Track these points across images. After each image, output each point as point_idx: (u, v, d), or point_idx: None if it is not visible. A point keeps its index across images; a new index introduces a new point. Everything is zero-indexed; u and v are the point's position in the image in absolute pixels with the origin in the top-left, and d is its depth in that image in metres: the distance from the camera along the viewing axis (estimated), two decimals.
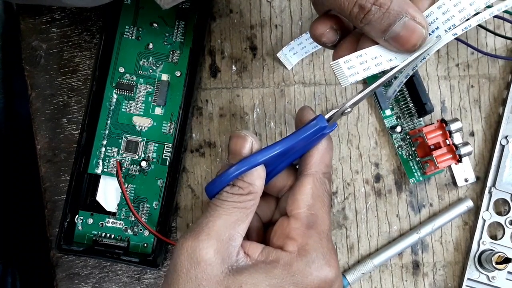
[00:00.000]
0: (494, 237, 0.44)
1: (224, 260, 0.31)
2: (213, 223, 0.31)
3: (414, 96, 0.44)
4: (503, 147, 0.44)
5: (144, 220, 0.42)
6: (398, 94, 0.44)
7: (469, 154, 0.42)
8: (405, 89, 0.44)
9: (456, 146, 0.41)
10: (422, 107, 0.43)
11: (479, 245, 0.43)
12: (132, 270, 0.44)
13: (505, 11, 0.44)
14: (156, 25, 0.43)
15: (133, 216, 0.42)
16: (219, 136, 0.45)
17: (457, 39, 0.44)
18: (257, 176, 0.33)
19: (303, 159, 0.35)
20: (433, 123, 0.42)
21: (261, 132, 0.45)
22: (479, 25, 0.44)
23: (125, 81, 0.43)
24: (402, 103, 0.44)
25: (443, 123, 0.42)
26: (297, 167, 0.36)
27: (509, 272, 0.43)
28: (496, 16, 0.44)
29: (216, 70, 0.45)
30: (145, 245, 0.42)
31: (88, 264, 0.44)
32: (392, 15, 0.29)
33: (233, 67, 0.45)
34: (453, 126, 0.42)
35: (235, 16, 0.45)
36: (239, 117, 0.45)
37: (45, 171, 0.44)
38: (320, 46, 0.42)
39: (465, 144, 0.42)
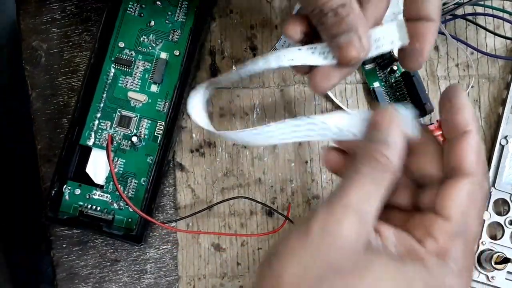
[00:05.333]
0: (493, 237, 0.44)
1: (359, 235, 0.29)
2: (347, 195, 0.30)
3: (413, 96, 0.44)
4: (502, 147, 0.44)
5: (130, 195, 0.43)
6: (398, 94, 0.44)
7: None
8: (404, 89, 0.44)
9: None
10: (422, 107, 0.43)
11: (478, 245, 0.43)
12: (132, 270, 0.44)
13: (504, 11, 0.44)
14: (159, 3, 0.44)
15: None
16: (219, 136, 0.45)
17: (457, 39, 0.44)
18: (397, 154, 0.30)
19: (455, 153, 0.31)
20: (433, 123, 0.42)
21: None
22: (479, 25, 0.44)
23: (124, 56, 0.43)
24: (402, 103, 0.44)
25: None
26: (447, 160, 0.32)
27: (508, 272, 0.43)
28: (495, 16, 0.44)
29: (216, 70, 0.45)
30: (130, 220, 0.43)
31: (88, 264, 0.44)
32: (342, 27, 0.31)
33: (233, 67, 0.45)
34: None
35: (235, 16, 0.45)
36: (239, 117, 0.45)
37: (45, 171, 0.45)
38: None
39: None
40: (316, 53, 0.34)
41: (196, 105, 0.38)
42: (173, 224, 0.44)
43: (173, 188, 0.45)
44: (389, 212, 0.34)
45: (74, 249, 0.44)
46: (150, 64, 0.43)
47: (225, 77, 0.37)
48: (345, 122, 0.32)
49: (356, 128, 0.32)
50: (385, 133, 0.31)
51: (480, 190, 0.31)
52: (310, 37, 0.34)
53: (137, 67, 0.44)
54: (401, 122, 0.31)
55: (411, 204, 0.34)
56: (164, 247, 0.44)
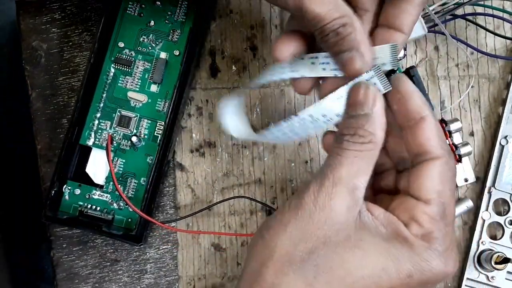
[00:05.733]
0: (493, 237, 0.44)
1: (350, 209, 0.30)
2: (337, 171, 0.31)
3: None
4: (502, 147, 0.44)
5: (130, 195, 0.43)
6: None
7: (468, 154, 0.42)
8: None
9: (456, 146, 0.41)
10: None
11: (478, 245, 0.43)
12: (132, 270, 0.44)
13: (504, 11, 0.44)
14: (159, 3, 0.44)
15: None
16: (219, 136, 0.45)
17: (457, 39, 0.44)
18: (379, 126, 0.32)
19: (417, 139, 0.32)
20: None
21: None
22: (479, 25, 0.44)
23: (124, 56, 0.43)
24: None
25: (443, 123, 0.42)
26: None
27: (508, 272, 0.43)
28: (495, 16, 0.44)
29: (216, 70, 0.45)
30: (130, 220, 0.43)
31: (88, 264, 0.44)
32: (345, 46, 0.32)
33: (233, 67, 0.45)
34: (453, 126, 0.42)
35: (235, 16, 0.45)
36: None
37: (45, 171, 0.45)
38: None
39: (465, 144, 0.42)
40: (317, 63, 0.34)
41: (229, 114, 0.38)
42: (173, 224, 0.44)
43: (173, 188, 0.45)
44: (377, 195, 0.35)
45: (74, 249, 0.44)
46: (150, 64, 0.43)
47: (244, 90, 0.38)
48: (328, 107, 0.33)
49: (339, 109, 0.33)
50: (365, 108, 0.32)
51: (449, 169, 0.32)
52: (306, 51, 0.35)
53: (137, 67, 0.44)
54: (376, 92, 0.32)
55: (395, 187, 0.35)
56: (164, 247, 0.44)
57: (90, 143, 0.43)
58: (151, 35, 0.44)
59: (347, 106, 0.33)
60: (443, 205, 0.31)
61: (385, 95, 0.33)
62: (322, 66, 0.34)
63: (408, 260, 0.30)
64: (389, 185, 0.35)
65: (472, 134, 0.45)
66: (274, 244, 0.31)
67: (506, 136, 0.44)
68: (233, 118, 0.38)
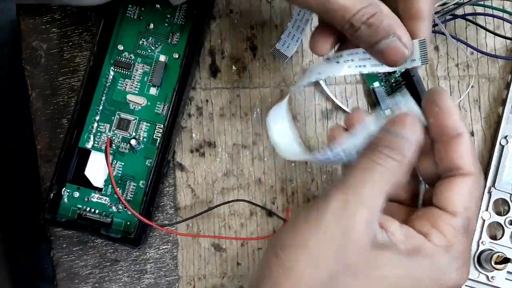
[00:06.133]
0: (493, 237, 0.44)
1: (369, 230, 0.29)
2: (361, 189, 0.30)
3: (414, 96, 0.43)
4: (502, 147, 0.44)
5: (129, 198, 0.43)
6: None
7: None
8: (405, 89, 0.44)
9: None
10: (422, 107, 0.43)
11: (478, 245, 0.43)
12: (132, 270, 0.44)
13: (504, 11, 0.44)
14: (158, 6, 0.44)
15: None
16: (219, 136, 0.45)
17: (457, 39, 0.44)
18: (414, 150, 0.31)
19: (452, 155, 0.32)
20: None
21: (261, 132, 0.45)
22: (479, 25, 0.44)
23: (123, 59, 0.43)
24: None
25: None
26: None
27: (508, 272, 0.43)
28: (495, 16, 0.44)
29: (216, 70, 0.45)
30: (128, 223, 0.43)
31: (88, 264, 0.44)
32: (379, 35, 0.31)
33: (233, 67, 0.45)
34: None
35: (235, 16, 0.45)
36: (239, 117, 0.45)
37: (45, 171, 0.45)
38: (308, 30, 0.43)
39: None
40: (341, 61, 0.34)
41: (278, 130, 0.36)
42: (173, 227, 0.44)
43: (173, 188, 0.45)
44: (390, 205, 0.34)
45: (74, 249, 0.44)
46: (149, 67, 0.43)
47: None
48: (349, 145, 0.33)
49: (359, 144, 0.33)
50: (407, 131, 0.31)
51: (479, 187, 0.32)
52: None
53: (136, 70, 0.43)
54: (418, 121, 0.32)
55: (410, 199, 0.35)
56: (164, 247, 0.44)
57: (89, 146, 0.43)
58: (150, 38, 0.44)
59: (389, 123, 0.32)
60: (468, 219, 0.31)
61: (420, 106, 0.33)
62: (347, 64, 0.33)
63: (427, 275, 0.30)
64: (403, 196, 0.35)
65: (472, 134, 0.45)
66: (291, 265, 0.29)
67: (506, 136, 0.44)
68: (283, 135, 0.36)
